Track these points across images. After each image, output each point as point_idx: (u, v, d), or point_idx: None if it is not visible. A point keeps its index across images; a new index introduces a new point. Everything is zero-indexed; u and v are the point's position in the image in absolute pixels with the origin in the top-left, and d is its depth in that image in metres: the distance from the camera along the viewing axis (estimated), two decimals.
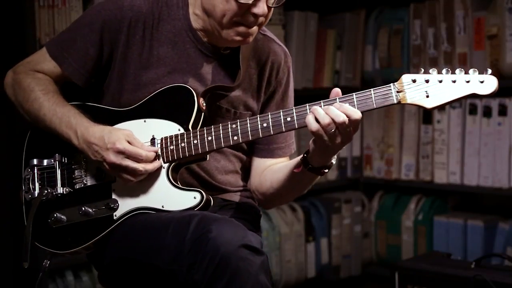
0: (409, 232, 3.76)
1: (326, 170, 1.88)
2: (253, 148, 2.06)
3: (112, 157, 1.81)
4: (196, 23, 1.93)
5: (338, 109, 1.72)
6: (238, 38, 1.86)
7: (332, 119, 1.72)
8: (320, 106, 1.74)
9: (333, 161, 1.87)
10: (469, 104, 3.49)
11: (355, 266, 3.92)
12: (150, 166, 1.84)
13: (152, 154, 1.84)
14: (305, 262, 3.68)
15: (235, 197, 2.04)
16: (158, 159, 1.86)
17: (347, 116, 1.72)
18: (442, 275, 2.72)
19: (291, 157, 2.05)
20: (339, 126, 1.72)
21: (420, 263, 2.84)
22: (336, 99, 1.75)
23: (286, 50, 2.05)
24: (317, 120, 1.73)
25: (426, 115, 3.69)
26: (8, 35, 2.80)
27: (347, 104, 1.73)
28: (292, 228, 3.62)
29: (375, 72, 3.90)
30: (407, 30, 3.75)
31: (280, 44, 2.04)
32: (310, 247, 3.71)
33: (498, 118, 3.39)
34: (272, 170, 2.03)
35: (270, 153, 2.04)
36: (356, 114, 1.72)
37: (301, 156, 1.88)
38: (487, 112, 3.42)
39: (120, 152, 1.81)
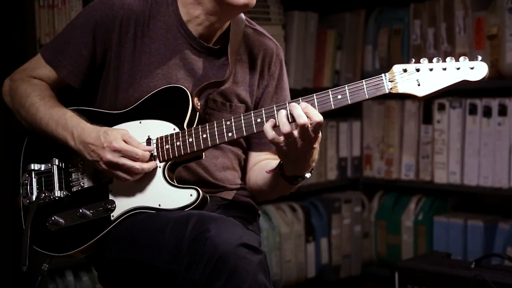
0: (409, 232, 3.76)
1: (298, 181, 1.89)
2: (248, 142, 2.07)
3: (109, 156, 1.82)
4: (188, 15, 1.94)
5: (303, 110, 1.73)
6: (242, 1, 1.87)
7: (294, 119, 1.73)
8: (299, 103, 1.75)
9: (307, 175, 1.88)
10: (469, 104, 3.48)
11: (355, 266, 3.91)
12: (146, 165, 1.84)
13: (148, 154, 1.85)
14: (305, 262, 3.68)
15: (234, 196, 2.04)
16: (154, 160, 1.86)
17: (308, 117, 1.72)
18: (442, 275, 2.72)
19: None
20: (300, 127, 1.72)
21: (420, 263, 2.84)
22: (313, 95, 1.76)
23: (277, 43, 2.07)
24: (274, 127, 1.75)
25: (426, 115, 3.68)
26: (8, 35, 2.80)
27: (311, 106, 1.74)
28: (292, 228, 3.62)
29: (375, 72, 3.87)
30: (407, 30, 3.75)
31: (270, 38, 2.06)
32: (310, 247, 3.70)
33: (498, 118, 3.39)
34: (258, 167, 2.04)
35: (267, 146, 2.04)
36: (317, 117, 1.73)
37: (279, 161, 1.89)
38: (487, 112, 3.41)
39: (117, 151, 1.82)
